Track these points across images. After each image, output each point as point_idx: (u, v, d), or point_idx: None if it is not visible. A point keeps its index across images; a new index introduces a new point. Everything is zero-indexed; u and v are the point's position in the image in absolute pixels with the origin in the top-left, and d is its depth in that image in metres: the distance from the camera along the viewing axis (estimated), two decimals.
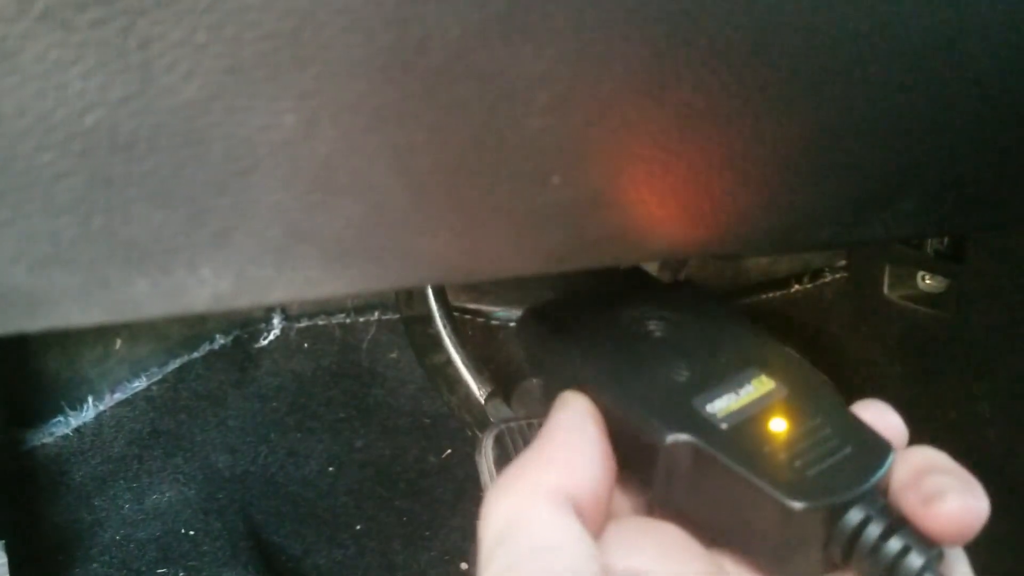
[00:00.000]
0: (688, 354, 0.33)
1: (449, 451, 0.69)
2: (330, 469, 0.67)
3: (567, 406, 0.31)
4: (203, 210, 0.23)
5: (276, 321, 0.70)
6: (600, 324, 0.35)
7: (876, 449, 0.29)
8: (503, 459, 0.47)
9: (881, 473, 0.28)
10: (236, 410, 0.68)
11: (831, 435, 0.30)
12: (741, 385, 0.32)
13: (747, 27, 0.26)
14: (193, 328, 0.68)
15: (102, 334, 0.65)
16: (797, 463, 0.28)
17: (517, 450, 0.51)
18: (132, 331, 0.66)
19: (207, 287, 0.24)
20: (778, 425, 0.30)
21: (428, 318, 0.60)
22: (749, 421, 0.30)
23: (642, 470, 0.30)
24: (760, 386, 0.31)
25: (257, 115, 0.22)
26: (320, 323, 0.71)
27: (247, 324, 0.70)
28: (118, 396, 0.64)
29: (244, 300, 0.25)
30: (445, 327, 0.59)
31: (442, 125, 0.24)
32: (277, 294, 0.26)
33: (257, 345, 0.70)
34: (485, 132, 0.25)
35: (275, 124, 0.23)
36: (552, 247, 0.28)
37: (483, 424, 0.58)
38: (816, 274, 0.69)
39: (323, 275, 0.26)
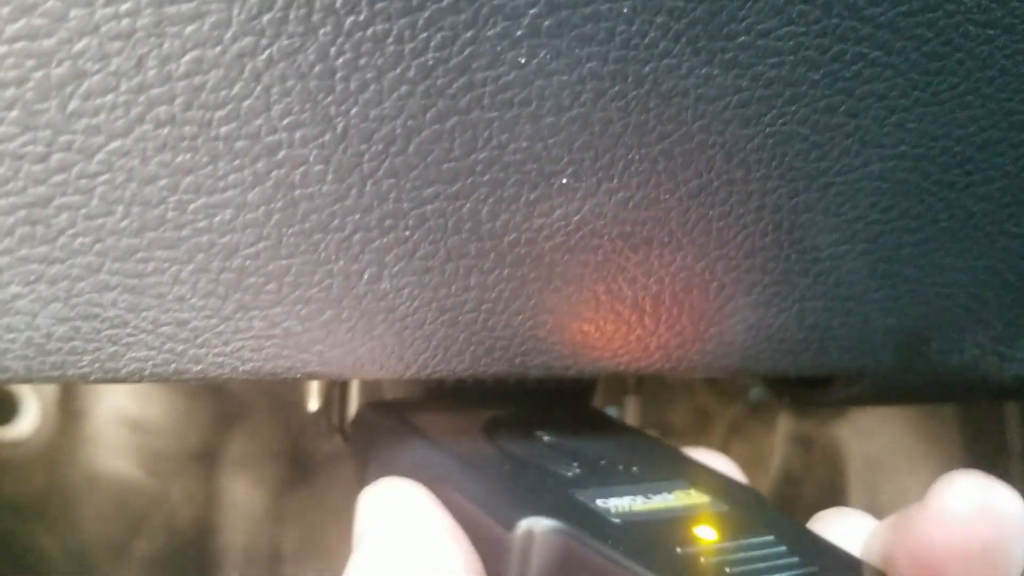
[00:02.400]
0: (584, 456, 0.25)
1: None
2: None
3: (397, 495, 0.22)
4: None
5: None
6: (468, 422, 0.28)
7: (844, 565, 0.22)
8: None
9: None
10: None
11: (782, 550, 0.22)
12: (656, 492, 0.24)
13: None
14: None
15: None
16: (726, 569, 0.21)
17: None
18: None
19: None
20: (705, 533, 0.23)
21: None
22: (659, 523, 0.22)
23: None
24: (685, 498, 0.24)
25: None
26: None
27: None
28: None
29: None
30: None
31: None
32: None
33: None
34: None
35: None
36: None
37: None
38: None
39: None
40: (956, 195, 0.25)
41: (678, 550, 0.21)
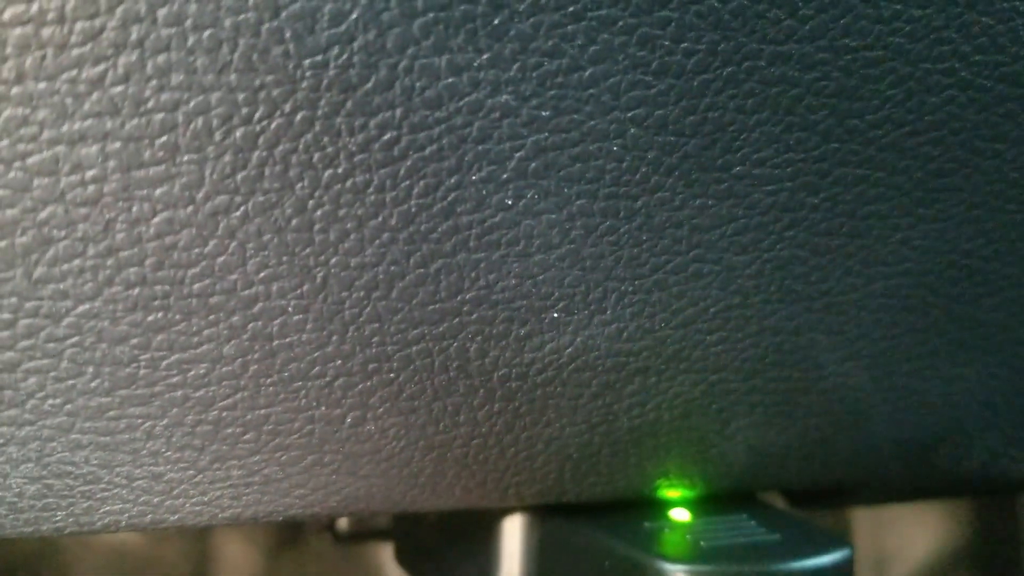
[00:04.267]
0: None
1: None
2: None
3: None
4: None
5: None
6: None
7: (823, 541, 0.23)
8: None
9: (819, 562, 0.22)
10: None
11: (754, 524, 0.24)
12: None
13: None
14: None
15: None
16: (689, 537, 0.23)
17: None
18: None
19: None
20: (679, 514, 0.25)
21: None
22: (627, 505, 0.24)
23: None
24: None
25: None
26: None
27: None
28: None
29: None
30: None
31: None
32: None
33: None
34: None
35: None
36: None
37: None
38: None
39: None
40: (964, 307, 0.25)
41: (644, 524, 0.24)
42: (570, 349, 0.21)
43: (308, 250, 0.19)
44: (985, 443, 0.27)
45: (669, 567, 0.21)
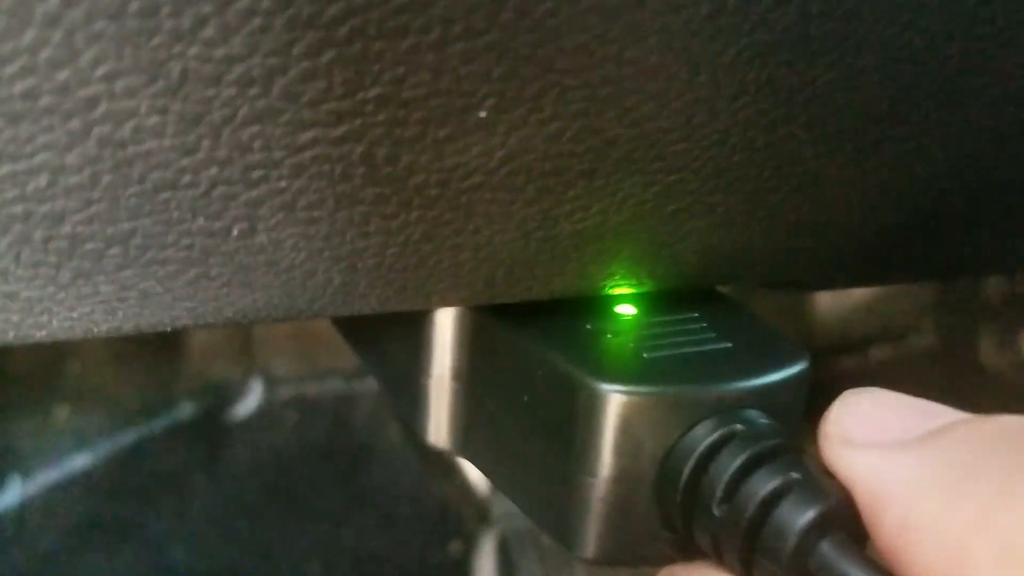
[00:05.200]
0: None
1: (459, 544, 0.57)
2: (314, 566, 0.57)
3: None
4: None
5: (255, 385, 0.60)
6: None
7: (776, 352, 0.21)
8: (506, 567, 0.43)
9: (771, 379, 0.20)
10: (201, 495, 0.57)
11: (705, 327, 0.22)
12: None
13: None
14: (152, 392, 0.58)
15: (43, 400, 0.55)
16: (631, 345, 0.21)
17: (524, 558, 0.45)
18: (80, 395, 0.56)
19: None
20: (625, 309, 0.23)
21: None
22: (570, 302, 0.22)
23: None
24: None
25: None
26: (308, 391, 0.61)
27: (219, 389, 0.59)
28: (53, 476, 0.54)
29: None
30: None
31: None
32: None
33: (231, 414, 0.60)
34: None
35: None
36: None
37: (485, 518, 0.52)
38: (898, 338, 0.56)
39: None
40: (962, 99, 0.21)
41: (583, 325, 0.22)
42: (501, 152, 0.18)
43: (157, 40, 0.15)
44: (955, 236, 0.25)
45: (604, 387, 0.20)
